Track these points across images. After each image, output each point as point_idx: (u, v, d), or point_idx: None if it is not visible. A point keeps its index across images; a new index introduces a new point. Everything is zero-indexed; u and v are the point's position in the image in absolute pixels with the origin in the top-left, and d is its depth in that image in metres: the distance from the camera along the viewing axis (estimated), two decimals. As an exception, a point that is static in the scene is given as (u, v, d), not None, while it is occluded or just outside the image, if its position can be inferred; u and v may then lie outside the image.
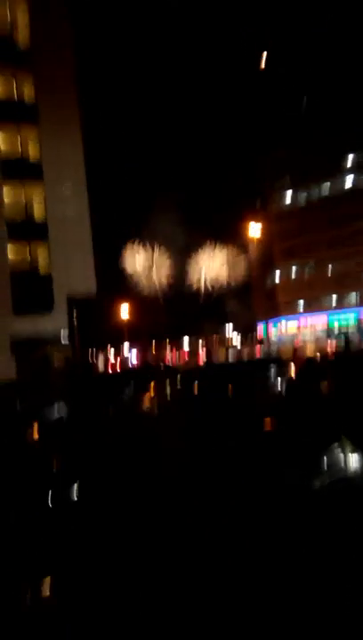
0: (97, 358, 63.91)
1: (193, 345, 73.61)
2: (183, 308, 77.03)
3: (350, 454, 5.87)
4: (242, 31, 64.93)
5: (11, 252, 28.52)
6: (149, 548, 4.94)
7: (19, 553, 5.07)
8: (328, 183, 57.86)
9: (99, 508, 5.90)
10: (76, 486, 6.28)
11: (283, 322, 61.25)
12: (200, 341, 73.11)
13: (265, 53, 63.03)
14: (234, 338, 75.19)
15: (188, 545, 4.84)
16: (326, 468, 5.63)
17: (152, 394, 13.50)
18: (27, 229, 29.00)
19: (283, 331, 61.07)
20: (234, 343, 66.58)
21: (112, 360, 64.23)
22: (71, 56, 30.96)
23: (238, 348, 56.17)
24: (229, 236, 78.60)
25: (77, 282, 30.01)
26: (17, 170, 28.48)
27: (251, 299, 72.77)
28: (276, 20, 58.83)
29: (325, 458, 5.67)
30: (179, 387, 12.01)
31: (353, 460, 5.86)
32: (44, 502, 6.14)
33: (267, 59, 63.10)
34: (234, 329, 78.14)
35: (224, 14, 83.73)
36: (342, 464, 5.80)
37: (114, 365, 53.15)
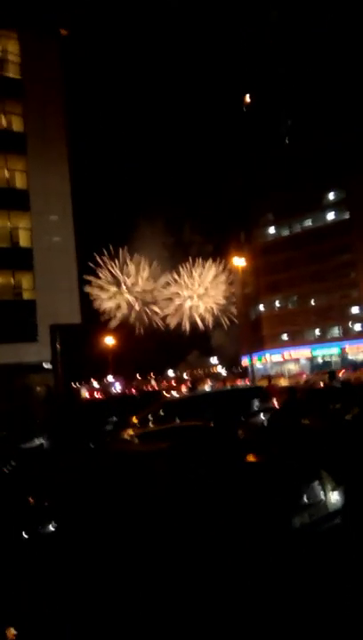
0: (80, 387, 63.25)
1: (177, 376, 73.38)
2: (169, 340, 77.26)
3: (330, 491, 5.80)
4: (225, 71, 67.24)
5: (-5, 279, 28.42)
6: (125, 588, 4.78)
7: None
8: (310, 219, 59.18)
9: (75, 546, 5.72)
10: (52, 523, 6.10)
11: (267, 355, 61.40)
12: (184, 374, 73.00)
13: (248, 95, 65.35)
14: (219, 369, 75.25)
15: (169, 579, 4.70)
16: (307, 504, 5.55)
17: (135, 421, 13.34)
18: (12, 258, 28.96)
19: (267, 363, 61.13)
20: (219, 374, 66.58)
21: (96, 388, 63.61)
22: (61, 87, 31.67)
23: (223, 377, 56.09)
24: (215, 270, 79.74)
25: (62, 310, 29.87)
26: (3, 199, 28.64)
27: (236, 331, 73.16)
28: (258, 64, 61.08)
29: (305, 494, 5.59)
30: (161, 415, 11.88)
31: (333, 497, 5.79)
32: (18, 536, 5.95)
33: (253, 100, 65.34)
34: (219, 361, 78.31)
35: (210, 56, 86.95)
36: (323, 501, 5.73)
37: (97, 394, 52.62)
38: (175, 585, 4.65)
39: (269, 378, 34.37)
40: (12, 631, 3.63)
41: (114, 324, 74.46)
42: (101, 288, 76.30)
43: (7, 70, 30.14)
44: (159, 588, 4.67)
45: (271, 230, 63.70)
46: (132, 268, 77.63)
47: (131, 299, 77.86)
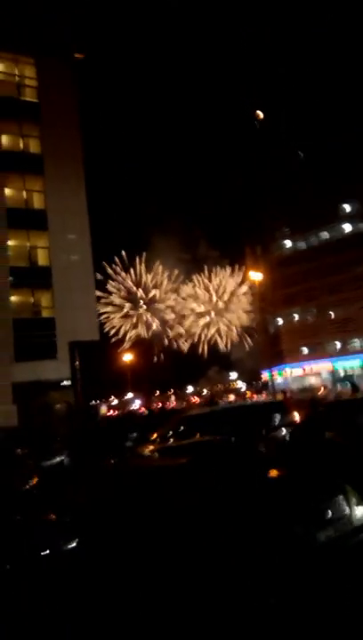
0: (100, 404, 63.40)
1: (197, 392, 73.08)
2: (188, 356, 77.25)
3: (355, 505, 5.68)
4: (239, 87, 67.92)
5: (14, 298, 28.82)
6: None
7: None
8: (326, 231, 59.00)
9: (96, 562, 5.67)
10: (75, 541, 6.07)
11: (287, 369, 60.85)
12: (204, 390, 72.70)
13: (261, 112, 65.88)
14: (239, 385, 74.79)
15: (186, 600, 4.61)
16: (331, 520, 5.43)
17: (155, 437, 13.27)
18: (31, 276, 29.42)
19: (288, 377, 60.55)
20: (240, 390, 66.13)
21: (115, 406, 63.67)
22: (76, 108, 32.40)
23: (242, 392, 55.69)
24: (233, 284, 79.77)
25: (80, 328, 30.13)
26: (22, 219, 29.21)
27: (255, 346, 72.81)
28: (271, 78, 61.60)
29: (330, 509, 5.47)
30: (182, 430, 11.80)
31: (358, 511, 5.66)
32: (40, 553, 5.92)
33: (264, 115, 65.83)
34: (239, 377, 77.85)
35: (221, 73, 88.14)
36: (348, 516, 5.60)
37: (116, 411, 52.68)
38: (195, 604, 4.56)
39: (284, 392, 34.15)
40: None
41: (127, 344, 74.21)
42: (115, 305, 76.39)
43: (24, 94, 30.99)
44: (178, 606, 4.59)
45: (288, 243, 63.60)
46: (147, 280, 77.56)
47: (148, 317, 77.87)
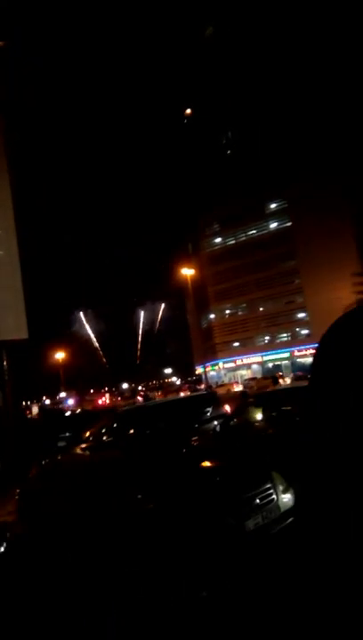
0: (31, 405, 61.49)
1: (132, 388, 72.86)
2: (122, 352, 76.84)
3: (281, 492, 5.88)
4: (166, 86, 68.13)
5: None
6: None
7: None
8: (254, 228, 60.67)
9: (25, 565, 5.51)
10: (2, 545, 5.87)
11: (220, 363, 62.08)
12: (139, 386, 72.56)
13: (189, 109, 66.45)
14: (173, 379, 75.33)
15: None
16: (259, 507, 5.60)
17: (88, 435, 13.10)
18: None
19: (220, 370, 61.76)
20: (174, 384, 66.62)
21: (47, 405, 62.05)
22: None
23: (177, 387, 56.22)
24: (165, 280, 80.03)
25: (8, 326, 29.04)
26: None
27: (189, 341, 73.63)
28: (198, 76, 62.27)
29: (257, 497, 5.64)
30: (115, 426, 11.72)
31: (285, 497, 5.87)
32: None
33: (192, 112, 66.44)
34: (173, 371, 78.47)
35: (149, 70, 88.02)
36: (275, 502, 5.79)
37: (48, 412, 51.34)
38: (127, 602, 4.56)
39: (209, 386, 35.01)
40: None
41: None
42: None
43: None
44: (107, 603, 4.56)
45: (217, 240, 64.78)
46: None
47: None
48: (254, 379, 47.28)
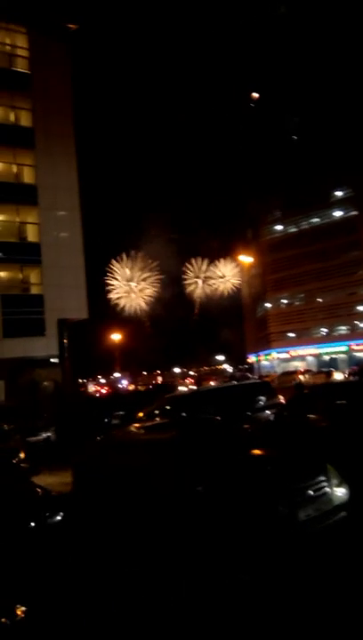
0: (87, 382, 63.38)
1: (184, 373, 73.44)
2: (177, 336, 77.34)
3: (335, 485, 5.82)
4: (233, 69, 66.91)
5: (3, 273, 28.57)
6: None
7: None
8: (317, 216, 59.00)
9: (82, 536, 5.79)
10: (60, 514, 6.16)
11: (273, 353, 61.36)
12: (191, 371, 73.04)
13: (256, 94, 65.08)
14: (225, 367, 75.30)
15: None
16: (312, 498, 5.57)
17: (142, 416, 13.40)
18: (20, 252, 29.12)
19: (274, 361, 61.10)
20: (225, 371, 66.61)
21: (102, 384, 63.79)
22: (68, 81, 31.70)
23: (229, 374, 56.19)
24: (222, 266, 79.60)
25: (69, 306, 30.00)
26: (12, 193, 28.76)
27: (243, 329, 73.14)
28: (266, 59, 60.74)
29: (311, 489, 5.61)
30: (168, 409, 11.93)
31: (339, 490, 5.81)
32: (26, 525, 6.01)
33: (259, 97, 65.06)
34: (225, 358, 78.35)
35: (216, 52, 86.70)
36: (328, 495, 5.74)
37: (104, 389, 52.84)
38: (175, 579, 4.69)
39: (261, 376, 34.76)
40: (20, 608, 3.71)
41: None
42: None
43: (16, 65, 30.22)
44: (160, 581, 4.72)
45: (278, 227, 63.52)
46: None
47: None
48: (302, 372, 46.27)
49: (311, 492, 5.62)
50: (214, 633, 4.03)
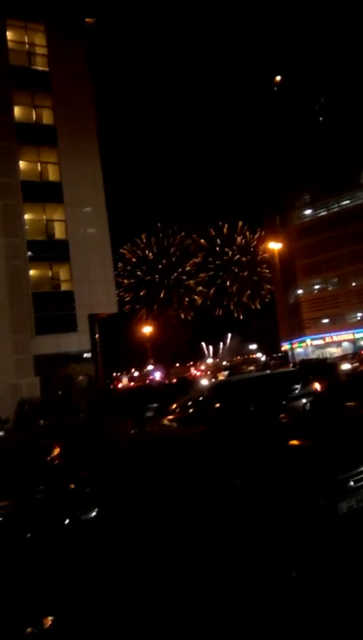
0: (121, 376, 63.94)
1: (216, 363, 73.26)
2: (208, 326, 77.16)
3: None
4: (257, 48, 65.57)
5: (33, 272, 28.87)
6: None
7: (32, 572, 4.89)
8: (347, 198, 57.50)
9: (116, 534, 5.69)
10: (95, 511, 6.09)
11: (308, 340, 60.42)
12: (224, 362, 72.77)
13: (279, 77, 63.64)
14: (258, 355, 74.66)
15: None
16: (353, 490, 5.31)
17: (175, 407, 13.30)
18: (48, 250, 29.36)
19: (308, 347, 60.17)
20: (259, 360, 66.03)
21: (136, 377, 64.28)
22: (88, 77, 31.61)
23: (263, 362, 55.65)
24: (251, 253, 78.82)
25: (99, 301, 30.14)
26: (38, 192, 28.96)
27: (275, 317, 72.32)
28: (290, 38, 59.25)
29: (352, 480, 5.35)
30: (201, 399, 11.77)
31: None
32: (61, 522, 5.95)
33: (283, 80, 63.60)
34: (259, 347, 77.71)
35: (239, 32, 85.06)
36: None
37: (136, 382, 53.16)
38: (216, 578, 4.53)
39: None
40: (48, 620, 3.61)
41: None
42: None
43: (35, 63, 30.31)
44: (198, 579, 4.56)
45: (308, 212, 62.25)
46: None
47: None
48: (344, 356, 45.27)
49: (352, 484, 5.38)
50: (264, 632, 3.85)
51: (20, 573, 5.12)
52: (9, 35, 29.42)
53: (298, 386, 11.72)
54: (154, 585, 4.64)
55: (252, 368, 42.68)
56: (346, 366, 26.91)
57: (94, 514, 6.06)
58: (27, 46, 30.27)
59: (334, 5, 53.31)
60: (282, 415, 9.47)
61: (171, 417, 11.65)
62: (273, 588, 4.28)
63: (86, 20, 32.11)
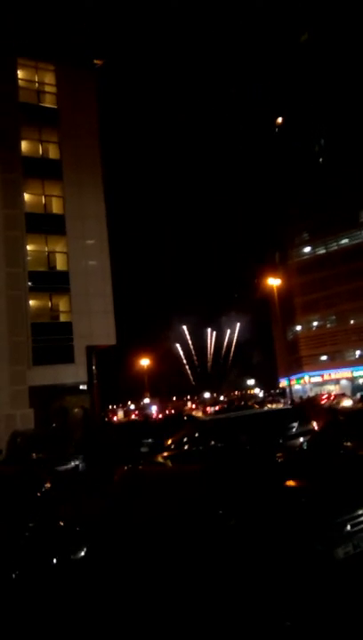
0: (117, 409, 63.25)
1: (213, 398, 72.64)
2: (206, 363, 76.98)
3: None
4: (256, 92, 67.74)
5: (33, 302, 28.96)
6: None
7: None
8: (346, 237, 58.29)
9: (104, 572, 5.50)
10: (84, 550, 5.90)
11: (306, 377, 60.12)
12: (221, 397, 72.22)
13: (280, 118, 65.56)
14: (256, 391, 74.18)
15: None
16: (350, 534, 5.17)
17: (170, 443, 13.08)
18: (49, 281, 29.53)
19: (306, 384, 59.81)
20: (256, 396, 65.56)
21: (132, 410, 63.57)
22: (95, 114, 32.52)
23: (260, 398, 55.24)
24: (250, 289, 79.31)
25: (98, 332, 30.11)
26: (41, 224, 29.36)
27: (274, 353, 72.15)
28: (290, 82, 61.28)
29: (349, 523, 5.21)
30: (197, 436, 11.59)
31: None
32: (49, 561, 5.75)
33: (283, 121, 65.50)
34: (257, 383, 77.24)
35: (239, 79, 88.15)
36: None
37: (133, 416, 52.57)
38: (207, 625, 4.35)
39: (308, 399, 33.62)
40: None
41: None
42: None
43: (44, 100, 31.24)
44: (188, 625, 4.38)
45: (307, 249, 63.00)
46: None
47: None
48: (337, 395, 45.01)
49: (349, 528, 5.23)
50: None
51: (5, 615, 4.92)
52: (20, 73, 30.46)
53: (295, 424, 11.58)
54: (144, 629, 4.45)
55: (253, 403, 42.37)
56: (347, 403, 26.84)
57: (83, 553, 5.87)
58: (36, 85, 31.27)
59: (332, 47, 55.35)
60: (279, 454, 9.32)
61: (166, 454, 11.44)
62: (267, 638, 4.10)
63: (95, 61, 33.26)
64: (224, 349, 79.02)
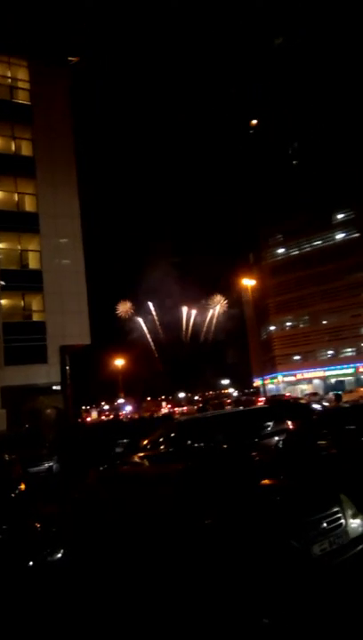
0: (90, 409, 62.74)
1: (188, 398, 72.80)
2: (181, 361, 76.92)
3: (350, 517, 5.49)
4: (231, 94, 68.20)
5: (4, 301, 28.50)
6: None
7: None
8: (319, 239, 59.22)
9: (82, 577, 5.44)
10: (61, 552, 5.83)
11: (279, 377, 60.80)
12: (196, 396, 72.37)
13: (254, 120, 66.15)
14: (230, 391, 74.62)
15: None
16: (326, 531, 5.22)
17: (146, 443, 13.03)
18: (21, 279, 29.12)
19: (279, 384, 60.49)
20: (231, 396, 65.94)
21: (105, 410, 63.15)
22: (69, 112, 32.22)
23: (234, 398, 55.58)
24: (225, 290, 79.75)
25: (72, 332, 29.84)
26: (13, 221, 28.94)
27: (248, 353, 72.72)
28: (264, 85, 61.89)
29: (325, 521, 5.27)
30: (173, 436, 11.58)
31: (354, 522, 5.47)
32: (24, 564, 5.66)
33: (258, 123, 66.12)
34: (231, 383, 77.71)
35: (214, 81, 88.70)
36: (343, 527, 5.40)
37: (106, 417, 52.23)
38: (184, 624, 4.34)
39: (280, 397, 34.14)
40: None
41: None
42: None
43: (17, 97, 30.78)
44: (165, 626, 4.37)
45: (281, 250, 63.74)
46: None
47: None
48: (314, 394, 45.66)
49: (325, 525, 5.29)
50: None
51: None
52: (-8, 68, 29.96)
53: (271, 423, 11.67)
54: (121, 628, 4.42)
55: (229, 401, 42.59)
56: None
57: (60, 555, 5.80)
58: (9, 80, 30.76)
59: (307, 50, 56.11)
60: (254, 453, 9.38)
61: (141, 454, 11.40)
62: (245, 636, 4.12)
63: (70, 58, 32.94)
64: (199, 347, 79.32)
